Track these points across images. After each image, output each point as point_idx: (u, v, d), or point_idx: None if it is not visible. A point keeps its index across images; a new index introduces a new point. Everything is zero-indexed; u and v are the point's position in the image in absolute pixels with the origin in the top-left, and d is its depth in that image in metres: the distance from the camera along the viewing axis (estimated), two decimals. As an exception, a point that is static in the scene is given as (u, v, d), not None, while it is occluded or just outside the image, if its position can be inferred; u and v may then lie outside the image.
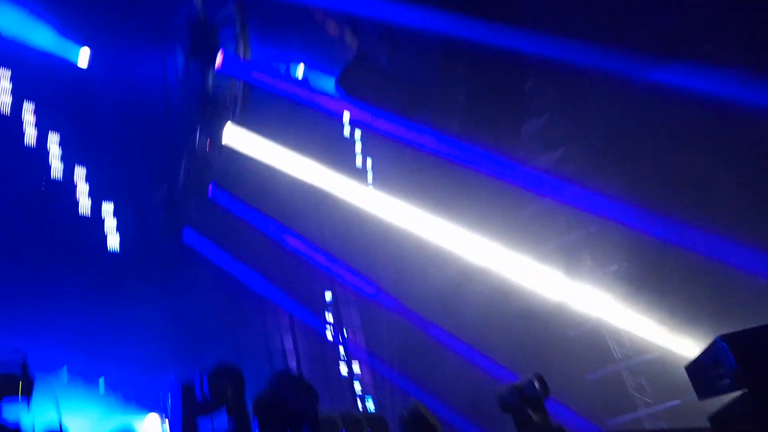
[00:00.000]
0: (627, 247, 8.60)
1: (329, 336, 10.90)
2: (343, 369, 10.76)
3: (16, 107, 10.40)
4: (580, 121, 8.82)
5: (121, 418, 7.15)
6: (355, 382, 10.72)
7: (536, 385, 4.50)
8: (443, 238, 9.38)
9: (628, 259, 8.63)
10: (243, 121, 10.85)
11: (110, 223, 10.78)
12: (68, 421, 4.28)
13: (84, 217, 10.67)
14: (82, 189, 10.76)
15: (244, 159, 10.92)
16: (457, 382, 8.91)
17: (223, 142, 10.92)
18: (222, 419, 3.71)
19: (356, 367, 10.78)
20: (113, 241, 10.71)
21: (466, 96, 8.86)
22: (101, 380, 9.36)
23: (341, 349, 10.87)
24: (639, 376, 8.27)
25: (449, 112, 9.03)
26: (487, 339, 8.79)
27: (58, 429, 4.13)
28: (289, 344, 10.87)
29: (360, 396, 10.57)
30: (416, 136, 9.39)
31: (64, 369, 8.77)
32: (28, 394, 4.07)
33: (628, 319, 8.45)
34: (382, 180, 10.64)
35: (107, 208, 10.80)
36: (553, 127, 9.21)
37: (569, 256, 9.15)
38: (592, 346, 8.59)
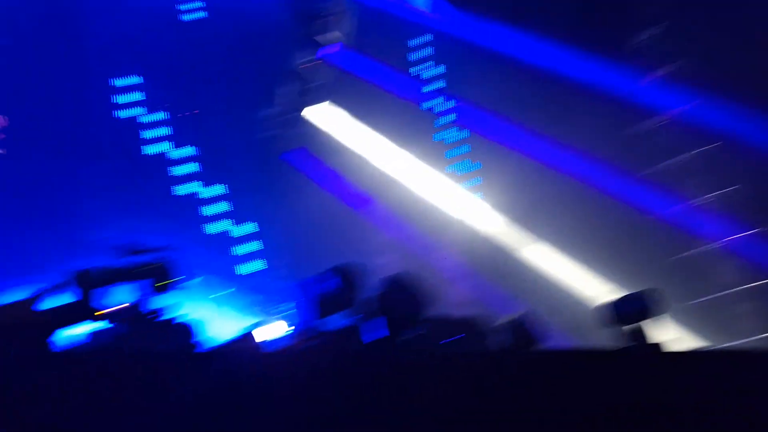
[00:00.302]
0: (749, 167, 7.96)
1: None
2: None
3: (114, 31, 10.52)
4: (701, 29, 8.07)
5: (248, 322, 7.55)
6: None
7: (642, 301, 4.30)
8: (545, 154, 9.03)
9: (750, 180, 8.00)
10: (348, 39, 10.75)
11: (215, 148, 11.04)
12: (199, 321, 4.35)
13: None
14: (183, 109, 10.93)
15: (352, 80, 10.86)
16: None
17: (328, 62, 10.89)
18: (342, 320, 3.70)
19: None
20: (220, 164, 11.03)
21: (574, 1, 8.30)
22: (231, 288, 9.94)
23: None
24: (748, 303, 7.80)
25: (555, 19, 8.52)
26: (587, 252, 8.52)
27: (190, 325, 4.24)
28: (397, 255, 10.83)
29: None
30: (519, 47, 8.97)
31: (201, 277, 9.31)
32: (167, 285, 4.18)
33: (742, 243, 7.91)
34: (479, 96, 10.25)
35: (211, 131, 11.01)
36: (671, 36, 8.49)
37: (685, 177, 8.63)
38: (700, 271, 8.14)
